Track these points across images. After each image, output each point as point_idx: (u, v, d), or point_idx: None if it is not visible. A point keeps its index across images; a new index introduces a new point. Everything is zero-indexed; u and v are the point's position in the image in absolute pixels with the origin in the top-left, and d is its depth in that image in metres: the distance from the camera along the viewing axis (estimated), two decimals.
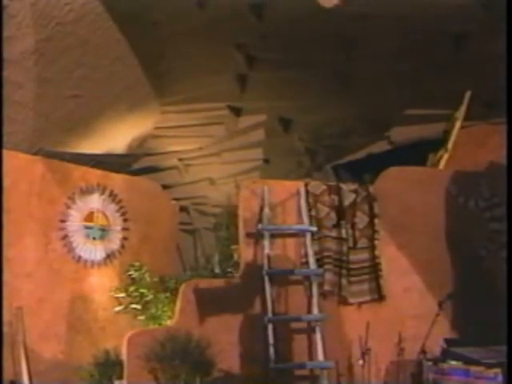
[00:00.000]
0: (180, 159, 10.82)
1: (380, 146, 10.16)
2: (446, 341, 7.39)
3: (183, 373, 6.76)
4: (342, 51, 7.88)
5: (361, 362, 7.40)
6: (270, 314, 7.24)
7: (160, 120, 9.52)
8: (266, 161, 10.55)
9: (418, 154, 9.12)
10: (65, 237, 9.97)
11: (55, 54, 7.50)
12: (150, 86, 8.53)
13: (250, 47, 7.92)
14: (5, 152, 9.30)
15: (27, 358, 9.08)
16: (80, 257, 10.02)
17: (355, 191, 7.98)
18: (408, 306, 7.82)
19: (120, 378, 7.62)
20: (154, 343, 6.96)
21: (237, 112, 9.53)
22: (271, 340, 7.15)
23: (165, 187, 11.34)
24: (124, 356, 7.39)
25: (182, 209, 11.66)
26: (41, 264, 9.57)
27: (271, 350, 7.12)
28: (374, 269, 7.88)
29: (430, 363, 7.21)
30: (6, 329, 9.09)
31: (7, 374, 8.95)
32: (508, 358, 5.79)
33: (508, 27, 6.13)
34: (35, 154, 9.72)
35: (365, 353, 7.40)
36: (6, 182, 9.38)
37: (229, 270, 8.45)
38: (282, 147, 10.22)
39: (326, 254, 7.70)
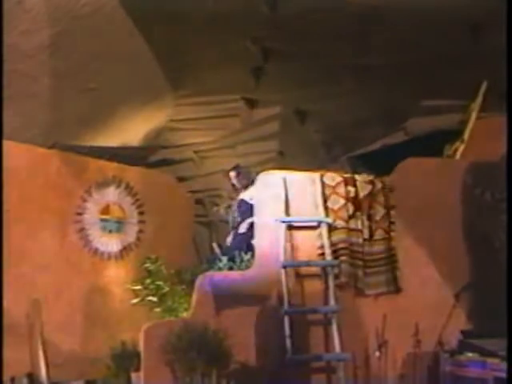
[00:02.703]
0: (195, 151, 10.83)
1: (396, 137, 10.12)
2: (463, 332, 7.37)
3: (200, 365, 6.77)
4: (357, 42, 7.84)
5: (377, 353, 7.40)
6: (286, 306, 7.24)
7: (175, 113, 9.51)
8: (281, 153, 10.54)
9: (434, 144, 9.09)
10: (81, 230, 10.03)
11: (70, 47, 7.50)
12: (165, 79, 8.52)
13: (264, 39, 7.89)
14: (21, 145, 9.36)
15: (44, 350, 9.13)
16: (96, 249, 10.08)
17: (371, 182, 7.96)
18: (424, 297, 7.79)
19: (137, 370, 7.64)
20: (171, 335, 6.97)
21: (252, 104, 9.52)
22: (287, 332, 7.15)
23: (180, 180, 11.36)
24: (141, 348, 7.41)
25: (198, 201, 11.68)
26: (58, 257, 9.63)
27: (288, 341, 7.11)
28: (391, 260, 7.86)
29: (447, 355, 7.20)
30: (23, 321, 9.16)
31: (25, 366, 9.02)
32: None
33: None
34: (51, 147, 9.76)
35: (381, 345, 7.40)
36: (22, 176, 9.44)
37: (245, 261, 8.44)
38: (297, 139, 10.20)
39: (342, 245, 7.68)
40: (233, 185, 9.28)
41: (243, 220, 8.83)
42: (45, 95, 8.47)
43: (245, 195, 9.01)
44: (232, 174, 9.26)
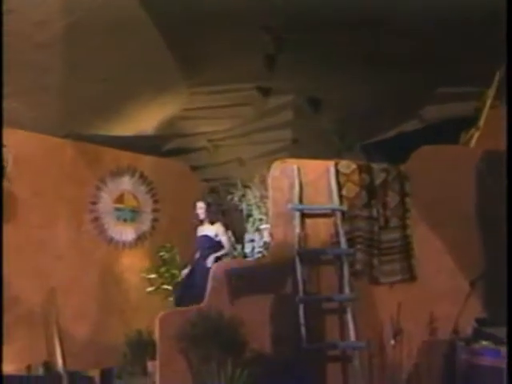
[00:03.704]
0: (209, 140, 10.83)
1: (411, 125, 10.08)
2: (478, 321, 7.34)
3: (215, 353, 6.78)
4: (371, 30, 7.80)
5: (393, 342, 7.40)
6: (301, 294, 7.23)
7: (189, 101, 9.51)
8: (295, 141, 10.51)
9: (449, 132, 9.04)
10: (96, 219, 10.07)
11: (84, 38, 7.51)
12: (179, 68, 8.51)
13: (277, 29, 7.87)
14: (35, 136, 9.39)
15: (60, 338, 9.19)
16: (111, 238, 10.12)
17: (386, 170, 7.92)
18: (440, 285, 7.76)
19: (152, 358, 7.67)
20: (186, 323, 7.00)
21: (265, 92, 9.49)
22: (302, 320, 7.14)
23: (194, 168, 11.37)
24: (156, 336, 7.43)
25: (212, 190, 11.68)
26: (73, 246, 9.67)
27: (302, 329, 7.11)
28: (406, 248, 7.83)
29: (463, 343, 7.18)
30: (38, 309, 9.22)
31: (41, 355, 9.08)
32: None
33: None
34: (65, 137, 9.79)
35: (397, 333, 7.39)
36: (37, 166, 9.48)
37: (259, 250, 8.46)
38: (311, 127, 10.17)
39: (356, 233, 7.67)
40: (196, 215, 9.04)
41: (206, 255, 8.72)
42: (59, 85, 8.49)
43: (209, 231, 8.94)
44: (200, 204, 9.07)
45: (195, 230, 9.11)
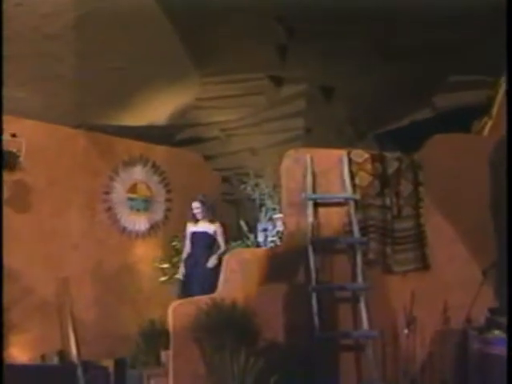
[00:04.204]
0: (221, 130, 10.82)
1: (423, 114, 10.03)
2: (490, 310, 7.32)
3: (228, 342, 6.79)
4: (383, 19, 7.76)
5: (406, 331, 7.38)
6: (314, 283, 7.21)
7: (201, 91, 9.50)
8: (308, 130, 10.49)
9: (462, 120, 9.00)
10: (109, 209, 10.12)
11: (95, 28, 7.52)
12: (191, 58, 8.50)
13: (289, 18, 7.84)
14: (47, 126, 9.43)
15: (74, 328, 9.24)
16: (125, 228, 10.16)
17: (399, 159, 7.89)
18: (453, 274, 7.73)
19: (166, 347, 7.69)
20: (199, 313, 7.01)
21: (277, 82, 9.47)
22: (315, 309, 7.11)
23: (207, 158, 11.38)
24: (169, 326, 7.45)
25: (225, 179, 11.69)
26: (86, 236, 9.73)
27: (316, 319, 7.09)
28: (419, 237, 7.80)
29: (475, 332, 7.16)
30: (53, 299, 9.27)
31: (55, 344, 9.14)
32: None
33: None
34: (78, 127, 9.82)
35: (410, 322, 7.37)
36: (50, 156, 9.52)
37: (272, 239, 8.46)
38: (323, 116, 10.14)
39: (370, 222, 7.64)
40: (193, 215, 9.00)
41: (204, 254, 8.72)
42: (70, 76, 8.51)
43: (208, 228, 8.92)
44: (196, 204, 9.02)
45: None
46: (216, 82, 9.30)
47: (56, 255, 9.42)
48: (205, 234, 8.89)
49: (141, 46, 8.02)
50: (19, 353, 8.83)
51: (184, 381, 7.01)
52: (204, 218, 8.93)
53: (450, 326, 7.56)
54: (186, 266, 8.87)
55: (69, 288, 9.37)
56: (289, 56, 8.57)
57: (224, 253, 8.64)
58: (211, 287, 7.80)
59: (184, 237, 9.14)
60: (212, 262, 8.62)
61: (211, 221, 8.92)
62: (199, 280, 8.57)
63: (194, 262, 8.82)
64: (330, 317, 7.31)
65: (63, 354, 9.15)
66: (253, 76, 9.24)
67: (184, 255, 8.98)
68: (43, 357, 9.01)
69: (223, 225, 9.07)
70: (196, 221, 8.97)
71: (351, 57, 8.57)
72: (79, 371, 8.45)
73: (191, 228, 9.00)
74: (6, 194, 9.17)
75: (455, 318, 7.52)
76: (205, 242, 8.88)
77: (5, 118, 8.83)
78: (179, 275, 8.88)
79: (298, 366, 6.89)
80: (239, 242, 9.74)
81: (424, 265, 7.77)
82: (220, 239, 8.93)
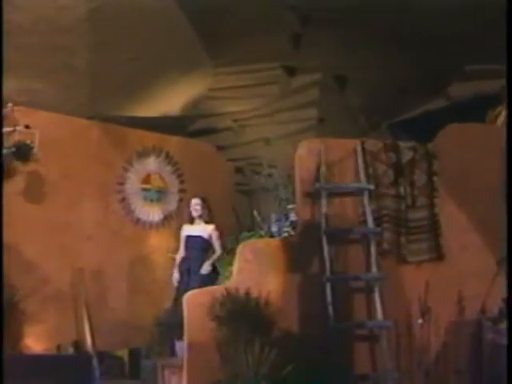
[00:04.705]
0: (235, 120, 10.80)
1: (438, 103, 9.99)
2: (504, 300, 7.30)
3: (242, 332, 6.80)
4: (397, 7, 7.73)
5: (420, 321, 7.38)
6: (328, 273, 7.21)
7: (214, 81, 9.50)
8: (321, 120, 10.47)
9: (477, 110, 8.95)
10: (123, 199, 10.15)
11: (108, 21, 7.54)
12: (204, 48, 8.50)
13: (303, 7, 7.82)
14: (61, 117, 9.46)
15: (89, 318, 9.28)
16: (138, 219, 10.19)
17: (413, 148, 7.86)
18: (467, 264, 7.70)
19: (180, 337, 7.71)
20: (213, 303, 7.02)
21: (291, 71, 9.45)
22: (329, 299, 7.13)
23: (220, 148, 11.38)
24: (184, 316, 7.47)
25: (238, 170, 11.69)
26: (101, 226, 9.76)
27: (330, 309, 7.10)
28: (433, 227, 7.77)
29: (489, 323, 7.14)
30: (68, 290, 9.32)
31: (70, 334, 9.19)
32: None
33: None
34: (91, 118, 9.84)
35: (424, 312, 7.36)
36: (64, 147, 9.55)
37: (286, 229, 8.45)
38: (337, 106, 10.11)
39: (384, 212, 7.61)
40: (189, 212, 8.80)
41: (199, 259, 8.51)
42: (84, 67, 8.52)
43: (203, 231, 8.68)
44: (196, 200, 8.81)
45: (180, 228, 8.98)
46: (229, 72, 9.29)
47: (70, 246, 9.46)
48: (199, 238, 8.68)
49: (154, 37, 8.02)
50: (35, 343, 8.88)
51: (198, 371, 7.02)
52: (201, 217, 8.72)
53: (464, 317, 7.53)
54: (179, 271, 8.66)
55: (83, 279, 9.41)
56: (302, 45, 8.55)
57: (219, 258, 8.55)
58: None
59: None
60: (206, 269, 8.44)
61: (207, 222, 8.70)
62: (194, 287, 8.11)
63: (187, 267, 8.62)
64: (344, 307, 7.30)
65: (78, 345, 9.20)
66: (266, 66, 9.22)
67: (178, 259, 8.75)
68: (59, 347, 9.07)
69: (218, 228, 8.85)
70: (192, 221, 8.76)
71: (365, 46, 8.54)
72: (94, 361, 8.47)
73: (186, 231, 8.78)
74: (20, 185, 9.22)
75: (469, 309, 7.51)
76: (200, 247, 8.67)
77: (19, 109, 8.92)
78: (173, 281, 8.64)
79: (312, 356, 6.87)
80: (253, 232, 9.73)
81: (438, 255, 7.74)
82: (215, 244, 8.72)
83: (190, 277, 8.49)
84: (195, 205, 8.74)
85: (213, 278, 8.31)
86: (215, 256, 8.62)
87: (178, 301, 8.21)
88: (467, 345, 7.47)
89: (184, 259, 8.68)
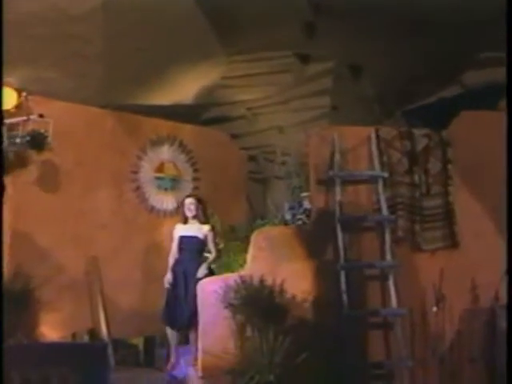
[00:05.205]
0: (248, 108, 10.79)
1: (452, 91, 9.94)
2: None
3: (256, 320, 6.82)
4: None
5: (435, 309, 7.37)
6: (342, 261, 7.22)
7: (227, 70, 9.49)
8: (335, 108, 10.44)
9: (490, 97, 8.91)
10: (137, 188, 10.17)
11: (122, 10, 7.56)
12: (217, 37, 8.49)
13: None
14: (75, 106, 9.48)
15: (104, 306, 9.32)
16: (153, 207, 10.22)
17: (427, 136, 7.84)
18: (481, 252, 7.67)
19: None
20: (227, 291, 7.03)
21: (304, 59, 9.43)
22: (344, 287, 7.14)
23: (233, 136, 11.37)
24: (198, 303, 7.49)
25: (251, 158, 11.69)
26: (115, 215, 9.79)
27: (344, 296, 7.11)
28: (448, 215, 7.75)
29: (503, 311, 7.12)
30: (82, 278, 9.37)
31: (85, 323, 9.23)
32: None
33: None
34: (105, 107, 9.86)
35: (439, 300, 7.36)
36: (78, 136, 9.58)
37: (299, 217, 8.44)
38: (350, 94, 10.07)
39: (398, 200, 7.61)
40: (183, 212, 8.36)
41: (194, 261, 8.11)
42: (98, 56, 8.54)
43: (198, 232, 8.22)
44: (190, 200, 8.39)
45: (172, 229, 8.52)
46: (242, 60, 9.27)
47: (85, 234, 9.50)
48: (195, 238, 8.23)
49: (167, 26, 8.02)
50: (50, 331, 8.93)
51: (212, 359, 7.05)
52: (195, 217, 8.28)
53: (478, 304, 7.52)
54: (173, 274, 8.16)
55: (98, 267, 9.44)
56: (316, 34, 8.52)
57: (214, 260, 8.25)
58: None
59: (173, 240, 8.47)
60: (202, 272, 7.97)
61: (202, 223, 8.28)
62: (189, 290, 7.92)
63: (182, 269, 8.15)
64: (359, 295, 7.31)
65: (93, 333, 9.24)
66: (279, 54, 9.20)
67: (171, 261, 8.27)
68: (74, 335, 9.10)
69: (213, 228, 8.53)
70: (185, 221, 8.34)
71: (378, 34, 8.51)
72: (109, 349, 8.51)
73: (180, 232, 8.30)
74: (34, 174, 9.26)
75: (484, 296, 7.50)
76: (195, 248, 8.23)
77: (33, 98, 8.96)
78: (165, 283, 8.17)
79: (326, 344, 6.89)
80: (266, 220, 9.73)
81: (453, 242, 7.73)
82: (211, 245, 8.30)
83: (187, 280, 8.04)
84: (189, 204, 8.30)
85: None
86: (211, 258, 8.23)
87: (169, 304, 8.05)
88: (481, 333, 7.46)
89: (178, 261, 8.23)
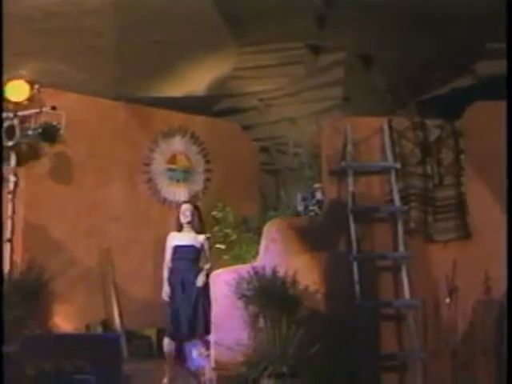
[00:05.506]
0: (260, 99, 10.78)
1: (464, 81, 9.90)
2: None
3: (269, 311, 6.82)
4: None
5: (448, 300, 7.36)
6: (354, 252, 7.21)
7: (239, 61, 9.48)
8: (347, 99, 10.42)
9: (503, 88, 8.85)
10: (149, 180, 10.20)
11: (134, 3, 7.57)
12: (229, 28, 8.49)
13: None
14: (87, 98, 9.50)
15: (117, 298, 9.36)
16: (165, 199, 10.24)
17: (440, 127, 7.80)
18: (494, 243, 7.58)
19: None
20: (240, 282, 7.04)
21: (316, 50, 9.41)
22: (356, 278, 7.11)
23: (245, 128, 11.37)
24: (211, 294, 7.51)
25: (263, 149, 11.68)
26: (128, 207, 9.83)
27: (356, 288, 7.09)
28: (460, 206, 7.71)
29: None
30: (95, 270, 9.41)
31: (99, 314, 9.27)
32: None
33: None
34: (117, 99, 9.87)
35: (452, 291, 7.34)
36: (90, 128, 9.61)
37: (312, 208, 8.43)
38: (362, 84, 10.05)
39: (411, 191, 7.57)
40: (177, 219, 8.03)
41: (191, 270, 7.83)
42: (110, 49, 8.56)
43: (195, 241, 7.92)
44: (186, 206, 8.08)
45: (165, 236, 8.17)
46: (254, 51, 9.27)
47: (98, 226, 9.53)
48: (191, 247, 7.91)
49: (179, 18, 8.02)
50: (64, 322, 8.97)
51: (225, 349, 7.06)
52: (189, 223, 7.95)
53: (491, 296, 7.49)
54: (170, 285, 7.85)
55: (111, 258, 9.48)
56: (327, 24, 8.50)
57: (210, 269, 7.91)
58: (204, 308, 7.58)
59: (167, 249, 8.10)
60: (201, 280, 7.73)
61: (197, 232, 7.98)
62: (190, 301, 7.72)
63: (180, 278, 7.83)
64: (371, 286, 7.28)
65: (107, 324, 9.28)
66: (291, 45, 9.19)
67: (165, 272, 7.93)
68: (87, 326, 9.14)
69: (209, 238, 8.22)
70: (179, 228, 8.00)
71: (390, 24, 8.48)
72: (122, 340, 8.54)
73: (175, 241, 7.96)
74: (47, 167, 9.29)
75: (496, 288, 7.44)
76: (192, 257, 7.92)
77: (46, 91, 8.98)
78: (164, 295, 7.88)
79: (339, 335, 6.89)
80: (279, 211, 9.73)
81: (465, 233, 7.70)
82: (207, 254, 8.04)
83: (185, 289, 7.78)
84: (185, 210, 7.97)
85: (208, 289, 7.68)
86: (207, 266, 7.91)
87: (172, 316, 7.79)
88: (494, 325, 7.43)
89: (174, 271, 7.89)
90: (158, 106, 10.17)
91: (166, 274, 7.93)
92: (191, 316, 7.64)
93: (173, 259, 7.92)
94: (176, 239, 7.97)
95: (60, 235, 9.23)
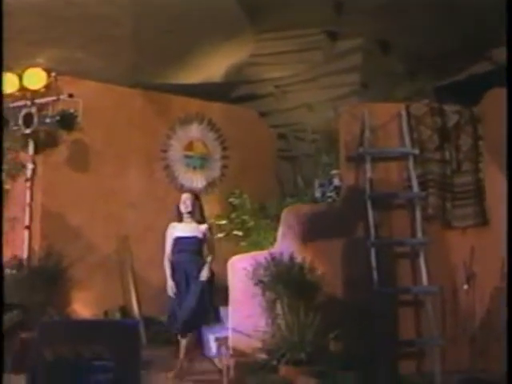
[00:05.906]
0: (277, 86, 10.76)
1: (482, 67, 9.84)
2: None
3: (287, 297, 6.83)
4: None
5: (465, 286, 7.33)
6: (372, 238, 7.18)
7: (256, 48, 9.48)
8: (365, 85, 10.37)
9: None
10: (167, 167, 10.22)
11: None
12: (246, 15, 8.47)
13: None
14: (104, 86, 9.52)
15: (135, 284, 9.40)
16: (182, 185, 10.25)
17: (458, 112, 7.74)
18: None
19: (224, 303, 7.75)
20: (257, 268, 7.05)
21: (333, 36, 9.38)
22: (374, 264, 7.08)
23: (262, 114, 11.35)
24: (228, 281, 7.52)
25: (280, 136, 11.66)
26: (145, 194, 9.85)
27: (374, 274, 7.06)
28: (478, 192, 7.67)
29: None
30: (113, 256, 9.44)
31: (117, 300, 9.31)
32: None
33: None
34: (134, 86, 9.88)
35: (469, 277, 7.32)
36: (107, 116, 9.62)
37: (329, 195, 8.41)
38: (380, 70, 10.00)
39: (429, 177, 7.52)
40: (177, 208, 7.66)
41: (194, 263, 7.45)
42: (126, 37, 8.57)
43: (197, 232, 7.52)
44: (186, 195, 7.75)
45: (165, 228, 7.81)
46: (271, 38, 9.25)
47: (116, 213, 9.57)
48: (194, 239, 7.53)
49: (195, 5, 8.02)
50: (82, 309, 9.03)
51: (243, 336, 7.08)
52: (190, 213, 7.58)
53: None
54: (174, 280, 7.48)
55: (129, 245, 9.51)
56: (345, 10, 8.46)
57: (213, 260, 7.57)
58: (210, 302, 7.36)
59: (168, 240, 7.73)
60: (205, 274, 7.38)
61: (199, 222, 7.61)
62: (195, 296, 7.35)
63: (183, 271, 7.48)
64: (389, 272, 7.25)
65: (125, 310, 9.32)
66: (308, 31, 9.17)
67: (167, 265, 7.59)
68: (106, 313, 9.19)
69: (211, 228, 7.93)
70: (180, 219, 7.65)
71: (408, 10, 8.43)
72: (141, 327, 8.57)
73: (176, 232, 7.58)
74: (65, 154, 9.33)
75: None
76: (194, 249, 7.53)
77: (63, 78, 9.00)
78: (168, 291, 7.50)
79: (356, 321, 6.89)
80: (296, 198, 9.73)
81: (483, 220, 7.65)
82: (210, 245, 7.67)
83: (189, 283, 7.43)
84: (185, 199, 7.62)
85: (212, 281, 7.48)
86: (210, 258, 7.53)
87: (172, 317, 7.53)
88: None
89: (176, 262, 7.54)
90: (175, 93, 10.17)
91: (167, 268, 7.56)
92: (195, 308, 7.30)
93: (174, 252, 7.57)
94: (177, 230, 7.60)
95: (78, 222, 9.28)
